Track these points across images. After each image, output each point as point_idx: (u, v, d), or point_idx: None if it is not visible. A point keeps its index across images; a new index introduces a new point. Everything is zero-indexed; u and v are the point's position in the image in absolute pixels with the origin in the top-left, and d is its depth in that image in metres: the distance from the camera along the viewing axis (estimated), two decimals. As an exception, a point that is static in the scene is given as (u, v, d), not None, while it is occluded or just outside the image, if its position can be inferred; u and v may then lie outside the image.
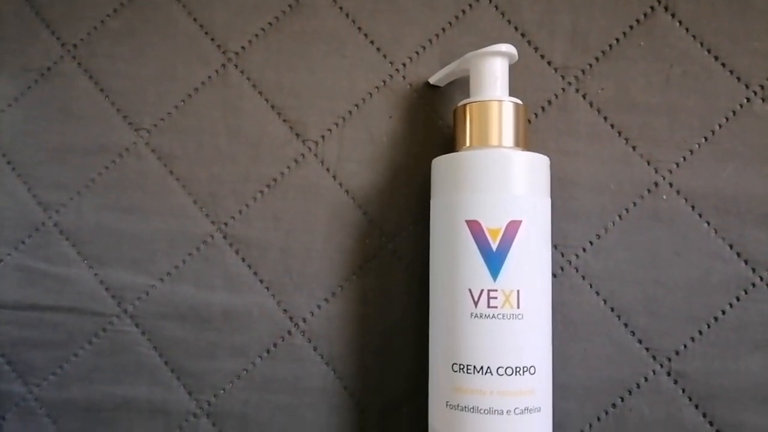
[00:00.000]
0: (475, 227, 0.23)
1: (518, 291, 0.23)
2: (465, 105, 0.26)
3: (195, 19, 0.30)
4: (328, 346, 0.28)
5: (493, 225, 0.23)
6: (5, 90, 0.30)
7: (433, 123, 0.29)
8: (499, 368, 0.22)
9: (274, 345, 0.28)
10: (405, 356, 0.28)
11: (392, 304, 0.28)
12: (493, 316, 0.23)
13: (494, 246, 0.23)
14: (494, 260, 0.23)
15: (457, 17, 0.29)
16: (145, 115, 0.30)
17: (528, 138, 0.26)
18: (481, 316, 0.23)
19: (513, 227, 0.23)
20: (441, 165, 0.25)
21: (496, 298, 0.23)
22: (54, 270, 0.29)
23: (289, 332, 0.28)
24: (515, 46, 0.26)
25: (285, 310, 0.28)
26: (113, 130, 0.30)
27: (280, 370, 0.28)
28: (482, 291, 0.23)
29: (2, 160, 0.30)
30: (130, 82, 0.30)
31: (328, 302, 0.28)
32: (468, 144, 0.25)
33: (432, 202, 0.26)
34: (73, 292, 0.29)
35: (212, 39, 0.30)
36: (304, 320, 0.28)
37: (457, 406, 0.23)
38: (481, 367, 0.22)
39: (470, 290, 0.23)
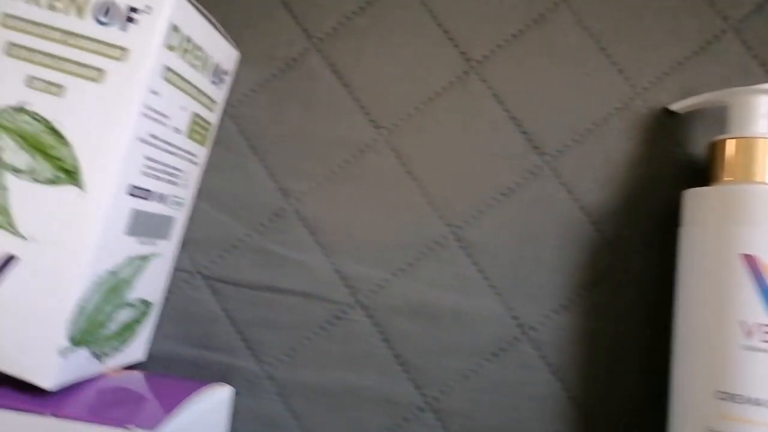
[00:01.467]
0: (751, 261, 0.24)
1: (789, 328, 0.24)
2: (728, 139, 0.26)
3: (440, 24, 0.31)
4: (556, 356, 0.29)
5: (772, 263, 0.24)
6: (250, 76, 0.31)
7: (670, 149, 0.30)
8: None
9: (502, 349, 0.29)
10: (633, 373, 0.29)
11: (621, 322, 0.29)
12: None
13: (770, 283, 0.24)
14: (769, 297, 0.24)
15: (702, 47, 0.30)
16: (387, 113, 0.30)
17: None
18: (753, 349, 0.24)
19: (790, 267, 0.24)
20: (703, 196, 0.26)
21: (768, 333, 0.24)
22: (292, 255, 0.30)
23: (517, 338, 0.29)
24: (759, 82, 0.27)
25: (514, 317, 0.29)
26: (355, 125, 0.30)
27: (507, 374, 0.29)
28: (756, 325, 0.24)
29: (245, 144, 0.31)
30: (373, 79, 0.31)
31: (558, 314, 0.29)
32: (732, 178, 0.26)
33: (686, 230, 0.26)
34: (309, 278, 0.30)
35: (456, 45, 0.30)
36: (533, 329, 0.29)
37: None
38: (756, 399, 0.23)
39: (741, 323, 0.24)
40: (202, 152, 0.30)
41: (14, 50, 0.24)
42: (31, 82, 0.24)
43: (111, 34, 0.24)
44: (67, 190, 0.23)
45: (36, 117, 0.24)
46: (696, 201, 0.27)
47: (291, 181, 0.30)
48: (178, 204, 0.29)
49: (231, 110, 0.31)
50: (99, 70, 0.23)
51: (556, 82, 0.30)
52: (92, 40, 0.24)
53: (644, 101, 0.30)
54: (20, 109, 0.24)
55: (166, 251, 0.29)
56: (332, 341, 0.30)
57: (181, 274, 0.30)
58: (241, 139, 0.31)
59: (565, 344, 0.29)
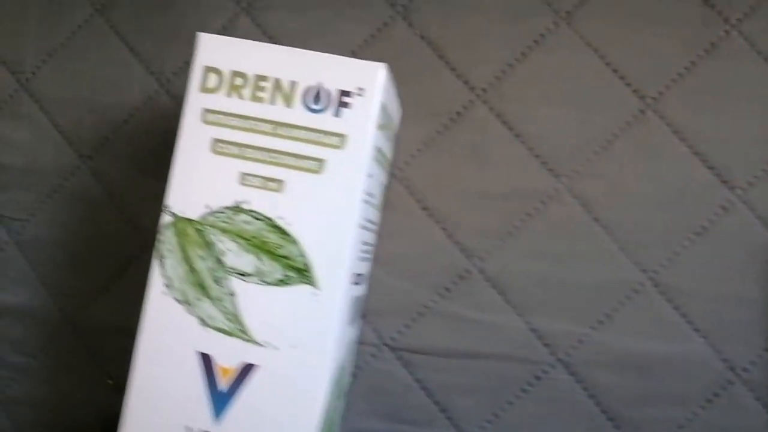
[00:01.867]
0: None
1: None
2: None
3: (608, 64, 0.29)
4: (773, 396, 0.28)
5: None
6: (414, 134, 0.30)
7: None
8: None
9: (716, 394, 0.28)
10: None
11: (837, 354, 0.28)
12: None
13: None
14: None
15: None
16: (565, 160, 0.29)
17: None
18: None
19: None
20: None
21: None
22: (482, 317, 0.29)
23: (730, 382, 0.28)
24: None
25: (724, 360, 0.28)
26: (532, 176, 0.29)
27: (724, 419, 0.28)
28: None
29: (417, 206, 0.30)
30: (545, 127, 0.29)
31: None
32: None
33: None
34: (504, 339, 0.29)
35: (628, 84, 0.29)
36: (745, 370, 0.28)
37: None
38: None
39: None
40: (378, 219, 0.29)
41: (221, 147, 0.23)
42: (245, 179, 0.22)
43: (325, 121, 0.22)
44: (300, 290, 0.22)
45: (256, 216, 0.22)
46: None
47: (471, 240, 0.29)
48: (365, 278, 0.28)
49: (398, 172, 0.30)
50: (319, 160, 0.22)
51: (738, 112, 0.29)
52: (307, 129, 0.22)
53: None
54: (237, 209, 0.22)
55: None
56: (535, 403, 0.29)
57: (367, 348, 0.29)
58: (413, 201, 0.30)
59: (781, 384, 0.28)
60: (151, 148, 0.31)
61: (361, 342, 0.29)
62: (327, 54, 0.23)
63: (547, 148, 0.29)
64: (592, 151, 0.29)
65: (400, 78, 0.30)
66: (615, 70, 0.29)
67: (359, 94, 0.22)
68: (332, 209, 0.22)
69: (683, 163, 0.29)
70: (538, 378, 0.29)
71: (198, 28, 0.31)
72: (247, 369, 0.22)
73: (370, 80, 0.22)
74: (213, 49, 0.23)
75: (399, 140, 0.30)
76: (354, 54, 0.30)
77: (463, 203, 0.29)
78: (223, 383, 0.22)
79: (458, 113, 0.30)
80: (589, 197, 0.29)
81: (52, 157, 0.32)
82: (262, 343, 0.22)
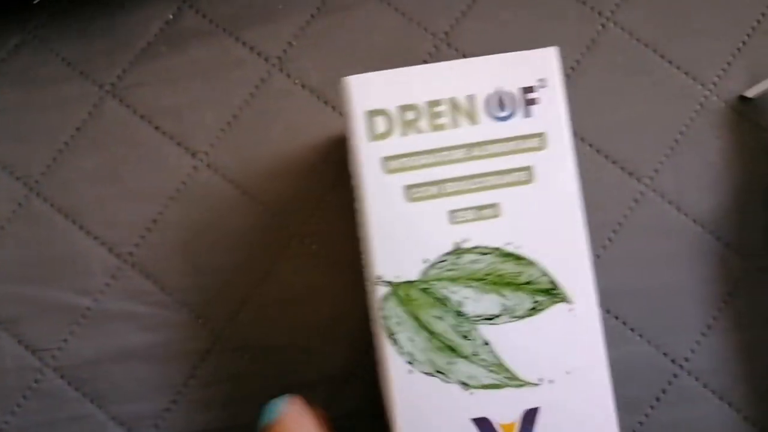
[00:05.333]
0: None
1: None
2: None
3: (662, 56, 0.30)
4: (717, 379, 0.29)
5: None
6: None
7: (759, 135, 0.30)
8: None
9: (663, 391, 0.29)
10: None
11: (770, 322, 0.30)
12: None
13: None
14: None
15: (758, 22, 0.30)
16: (645, 158, 0.29)
17: None
18: None
19: None
20: None
21: None
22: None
23: (675, 375, 0.29)
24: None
25: (665, 354, 0.29)
26: (617, 179, 0.29)
27: (676, 415, 0.28)
28: None
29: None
30: (612, 127, 0.29)
31: (706, 336, 0.29)
32: None
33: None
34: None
35: (686, 73, 0.30)
36: (686, 359, 0.29)
37: None
38: None
39: None
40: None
41: (416, 192, 0.20)
42: (456, 216, 0.20)
43: (518, 125, 0.20)
44: (554, 311, 0.20)
45: (482, 251, 0.20)
46: None
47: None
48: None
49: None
50: (526, 168, 0.20)
51: (629, 100, 0.30)
52: (503, 140, 0.20)
53: (717, 96, 0.30)
54: (459, 251, 0.20)
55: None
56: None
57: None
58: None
59: (722, 365, 0.28)
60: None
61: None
62: (493, 55, 0.21)
63: (626, 148, 0.29)
64: (668, 146, 0.30)
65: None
66: (670, 61, 0.30)
67: (542, 86, 0.21)
68: (555, 214, 0.20)
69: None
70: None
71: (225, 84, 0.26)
72: (529, 416, 0.20)
73: (548, 68, 0.21)
74: (369, 90, 0.20)
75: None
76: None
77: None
78: (510, 442, 0.20)
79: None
80: (672, 189, 0.29)
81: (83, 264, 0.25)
82: (536, 382, 0.20)
